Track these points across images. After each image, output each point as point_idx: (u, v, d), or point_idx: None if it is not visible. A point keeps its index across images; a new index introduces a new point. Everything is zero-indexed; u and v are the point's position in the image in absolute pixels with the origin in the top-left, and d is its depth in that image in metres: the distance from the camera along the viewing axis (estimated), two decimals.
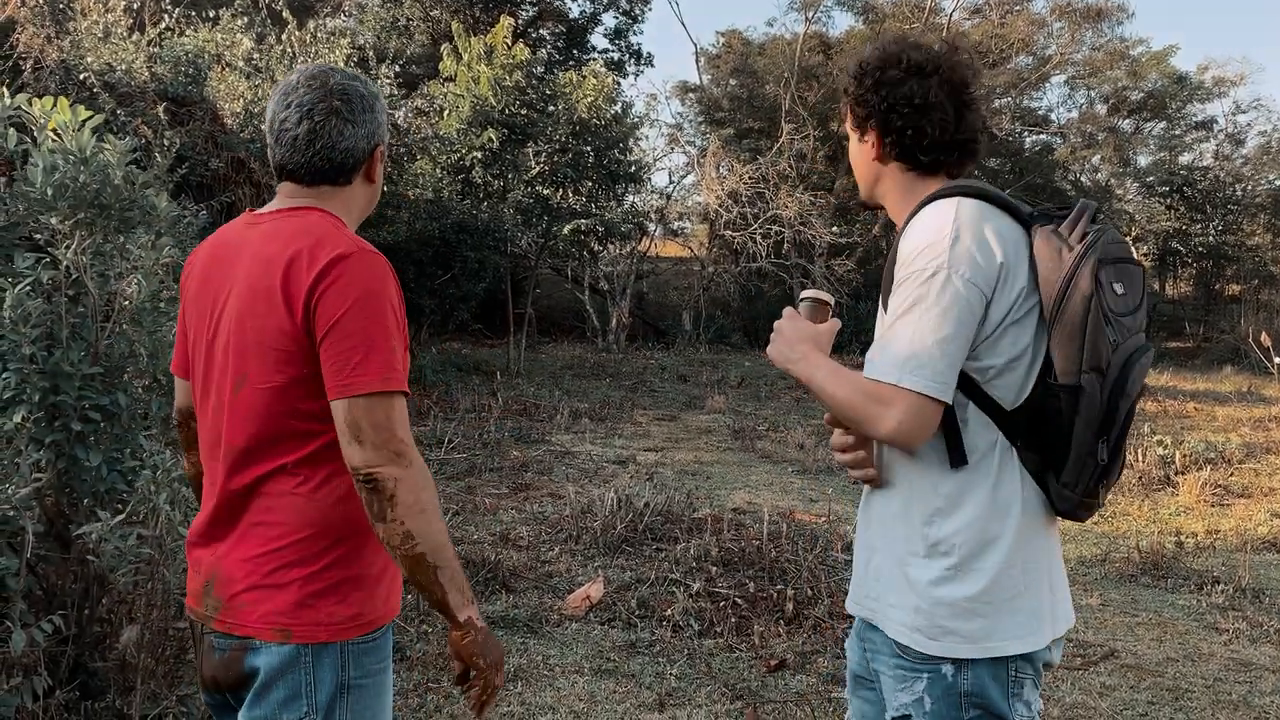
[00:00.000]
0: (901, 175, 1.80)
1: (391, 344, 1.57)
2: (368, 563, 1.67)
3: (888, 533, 1.77)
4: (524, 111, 12.58)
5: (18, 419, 2.64)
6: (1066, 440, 1.63)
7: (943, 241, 1.62)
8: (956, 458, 1.67)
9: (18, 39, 8.17)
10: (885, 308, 1.74)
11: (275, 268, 1.59)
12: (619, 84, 15.27)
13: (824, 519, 6.26)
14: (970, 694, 1.68)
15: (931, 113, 1.74)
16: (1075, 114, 26.21)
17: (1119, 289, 1.63)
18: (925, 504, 1.70)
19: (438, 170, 12.32)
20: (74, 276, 2.85)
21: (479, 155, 12.38)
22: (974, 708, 1.68)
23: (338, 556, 1.64)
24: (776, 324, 1.83)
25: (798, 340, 1.79)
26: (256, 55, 10.33)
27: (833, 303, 1.87)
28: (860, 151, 1.84)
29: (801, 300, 1.88)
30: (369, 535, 1.65)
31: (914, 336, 1.60)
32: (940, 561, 1.68)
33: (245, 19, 10.87)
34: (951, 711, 1.69)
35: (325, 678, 1.63)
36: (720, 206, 18.63)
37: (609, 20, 23.50)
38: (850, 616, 4.50)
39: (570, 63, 20.33)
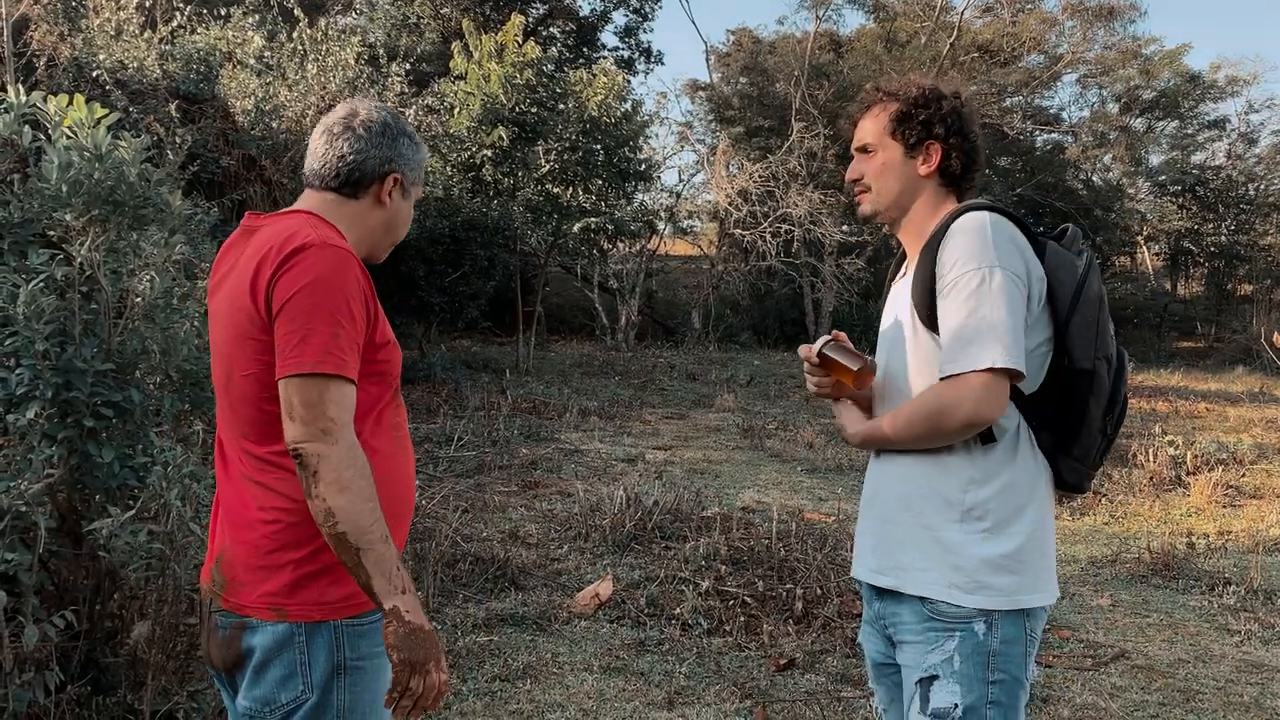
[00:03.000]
0: (938, 190, 2.01)
1: (334, 330, 1.62)
2: None
3: (913, 505, 1.91)
4: (534, 109, 12.58)
5: (30, 415, 2.65)
6: (1078, 419, 1.86)
7: (988, 244, 1.81)
8: (986, 436, 1.85)
9: (31, 36, 8.21)
10: (924, 318, 1.89)
11: (251, 263, 1.68)
12: (629, 82, 15.26)
13: (833, 518, 6.25)
14: (998, 654, 1.83)
15: (978, 141, 2.03)
16: (1087, 113, 26.14)
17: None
18: (960, 475, 1.86)
19: (448, 168, 12.33)
20: (87, 273, 2.86)
21: (489, 153, 12.39)
22: (999, 670, 1.83)
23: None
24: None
25: (843, 424, 2.06)
26: (268, 53, 10.36)
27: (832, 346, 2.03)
28: (904, 165, 2.00)
29: (824, 350, 2.02)
30: None
31: (984, 322, 1.78)
32: (977, 524, 1.85)
33: (256, 17, 10.90)
34: (979, 671, 1.82)
35: (320, 657, 1.66)
36: (730, 205, 18.61)
37: (619, 18, 23.52)
38: (859, 615, 4.51)
39: (580, 61, 20.32)
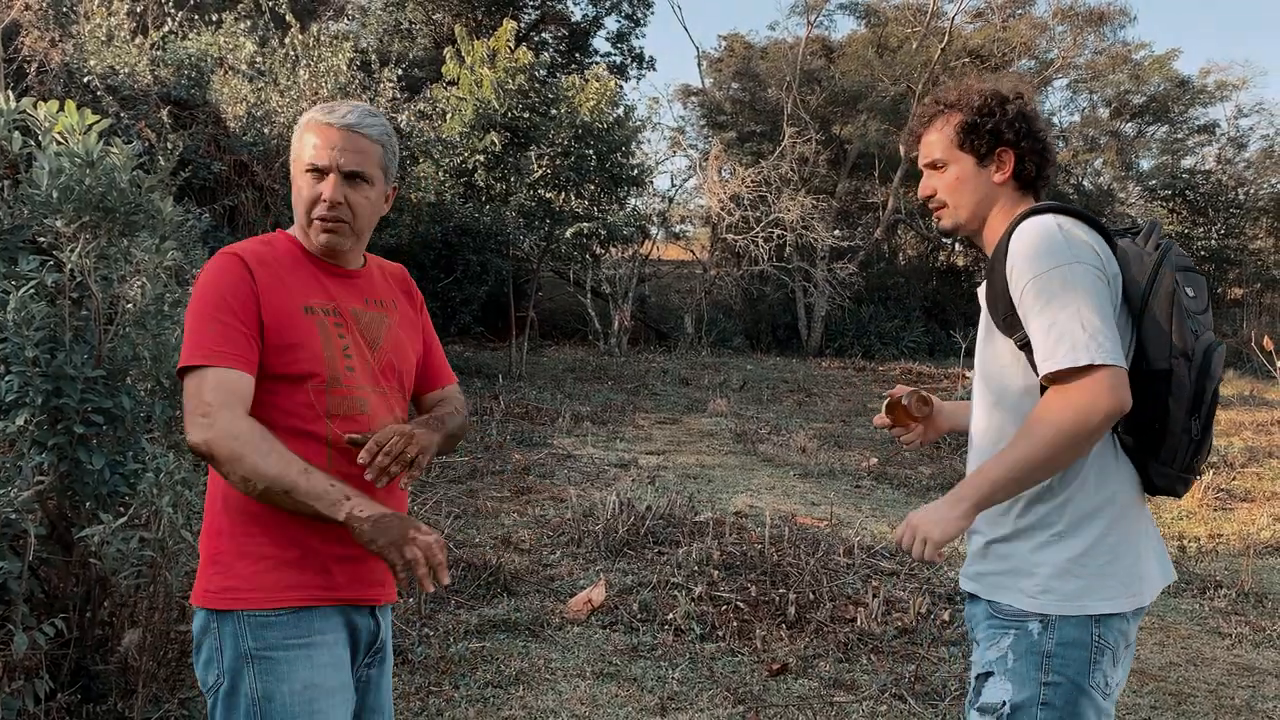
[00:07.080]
0: (1012, 194, 2.00)
1: (195, 324, 1.75)
2: (256, 541, 1.78)
3: (989, 512, 1.88)
4: (526, 115, 12.59)
5: (20, 422, 2.64)
6: (1161, 421, 1.80)
7: (1058, 241, 1.79)
8: None
9: (22, 42, 8.19)
10: (999, 323, 1.88)
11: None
12: (621, 88, 15.27)
13: (826, 522, 6.25)
14: (1052, 655, 1.80)
15: (1048, 139, 2.01)
16: (1077, 118, 26.23)
17: (1190, 292, 1.84)
18: None
19: (440, 173, 12.33)
20: (78, 280, 2.85)
21: (481, 158, 12.39)
22: (1054, 672, 1.80)
23: (223, 529, 1.79)
24: (914, 524, 1.84)
25: (935, 510, 1.82)
26: (259, 59, 10.35)
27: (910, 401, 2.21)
28: (978, 175, 2.00)
29: (904, 400, 2.21)
30: (257, 515, 1.77)
31: (1082, 321, 1.73)
32: (1046, 531, 1.84)
33: (248, 22, 10.89)
34: (1031, 671, 1.81)
35: (228, 644, 1.76)
36: (722, 210, 18.64)
37: (611, 24, 23.59)
38: (851, 620, 4.51)
39: (573, 66, 20.35)
